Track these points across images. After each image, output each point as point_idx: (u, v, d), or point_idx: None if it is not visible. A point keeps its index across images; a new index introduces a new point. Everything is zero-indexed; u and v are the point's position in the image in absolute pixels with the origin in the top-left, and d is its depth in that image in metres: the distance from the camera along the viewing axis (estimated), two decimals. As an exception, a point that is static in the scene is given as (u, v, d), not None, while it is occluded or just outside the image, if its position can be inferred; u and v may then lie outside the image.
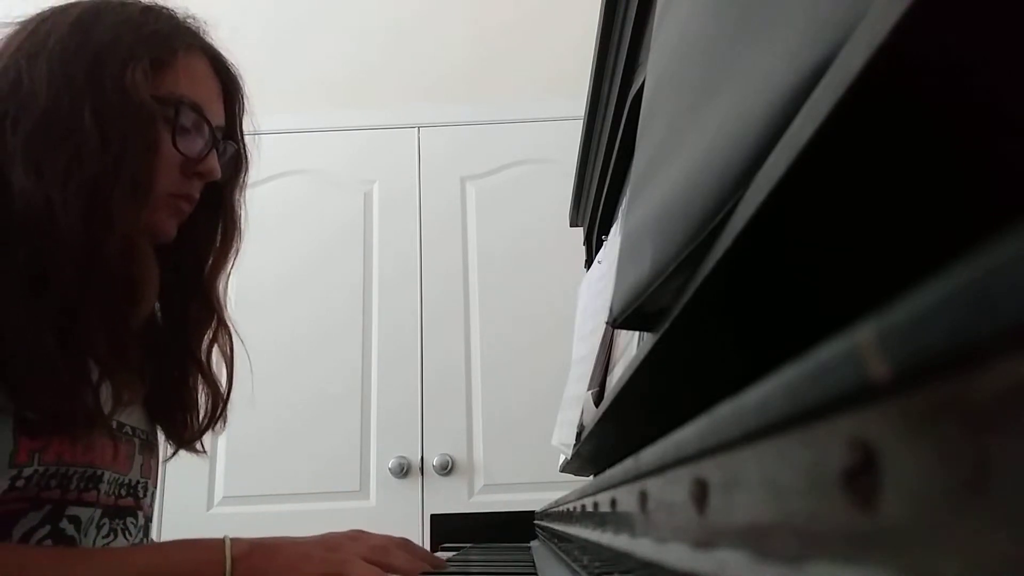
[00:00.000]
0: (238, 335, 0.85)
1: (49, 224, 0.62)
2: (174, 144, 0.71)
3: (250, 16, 2.32)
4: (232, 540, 0.66)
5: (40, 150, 0.64)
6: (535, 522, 1.29)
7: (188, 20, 0.77)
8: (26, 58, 0.67)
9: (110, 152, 0.65)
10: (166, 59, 0.71)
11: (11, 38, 0.70)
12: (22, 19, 0.72)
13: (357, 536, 0.73)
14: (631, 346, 0.55)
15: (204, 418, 0.83)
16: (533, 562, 0.80)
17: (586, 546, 0.52)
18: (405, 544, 0.76)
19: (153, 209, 0.71)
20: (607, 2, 0.80)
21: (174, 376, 0.80)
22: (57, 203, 0.62)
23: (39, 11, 0.72)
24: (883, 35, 0.13)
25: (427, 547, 1.06)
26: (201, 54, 0.75)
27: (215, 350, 0.83)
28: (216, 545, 0.65)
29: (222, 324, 0.83)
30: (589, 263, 1.16)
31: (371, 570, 0.66)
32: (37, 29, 0.69)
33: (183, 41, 0.73)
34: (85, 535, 0.68)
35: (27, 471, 0.62)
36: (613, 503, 0.37)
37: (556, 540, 0.82)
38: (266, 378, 1.89)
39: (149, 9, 0.74)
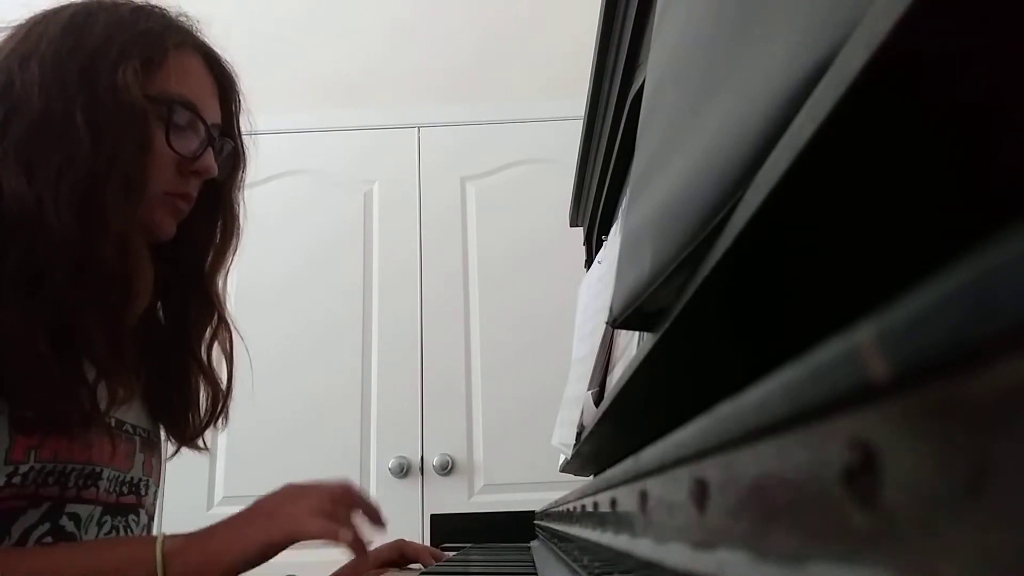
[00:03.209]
0: (238, 332, 0.85)
1: (41, 225, 0.62)
2: (168, 143, 0.71)
3: (250, 16, 2.33)
4: (167, 537, 0.63)
5: (32, 152, 0.64)
6: (535, 522, 1.29)
7: (180, 18, 0.77)
8: (18, 61, 0.67)
9: (102, 152, 0.65)
10: (157, 58, 0.71)
11: (5, 42, 0.70)
12: (17, 23, 0.72)
13: (296, 493, 0.68)
14: (631, 346, 0.55)
15: (205, 415, 0.83)
16: (533, 562, 0.80)
17: (586, 546, 0.52)
18: (346, 495, 0.70)
19: (150, 208, 0.71)
20: (607, 2, 0.80)
21: (175, 373, 0.81)
22: (48, 204, 0.62)
23: (33, 14, 0.72)
24: (883, 35, 0.13)
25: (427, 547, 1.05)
26: (194, 52, 0.75)
27: (215, 347, 0.83)
28: (148, 542, 0.63)
29: (222, 321, 0.83)
30: (589, 263, 1.15)
31: (326, 525, 0.63)
32: (30, 32, 0.70)
33: (175, 39, 0.73)
34: (85, 532, 0.68)
35: (23, 468, 0.62)
36: (613, 503, 0.37)
37: (556, 540, 0.82)
38: (266, 378, 1.89)
39: (140, 8, 0.74)
